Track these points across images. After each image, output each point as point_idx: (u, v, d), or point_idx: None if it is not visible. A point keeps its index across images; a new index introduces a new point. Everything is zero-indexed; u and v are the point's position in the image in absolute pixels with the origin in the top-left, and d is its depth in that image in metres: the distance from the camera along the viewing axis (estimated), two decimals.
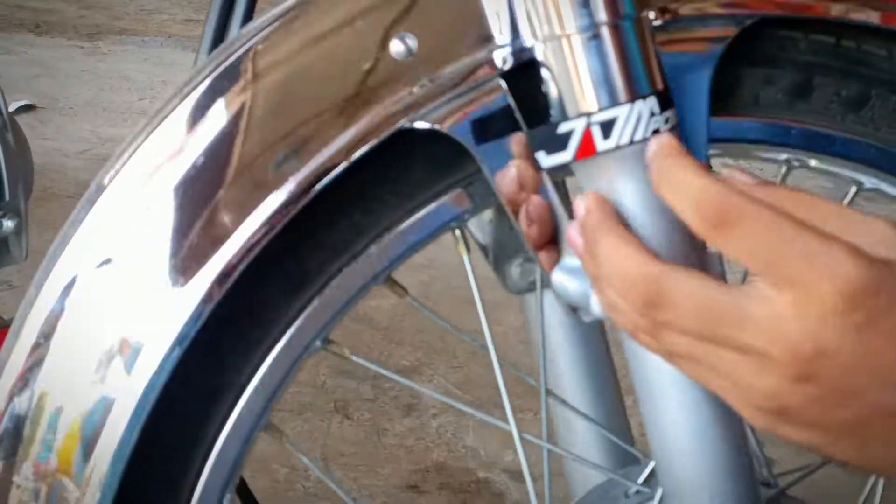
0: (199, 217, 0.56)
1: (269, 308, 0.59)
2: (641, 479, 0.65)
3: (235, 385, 0.60)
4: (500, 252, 0.69)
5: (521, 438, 0.64)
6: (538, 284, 0.60)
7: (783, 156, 0.65)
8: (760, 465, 0.67)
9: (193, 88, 0.57)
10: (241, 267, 0.56)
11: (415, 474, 1.50)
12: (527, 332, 0.80)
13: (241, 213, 0.56)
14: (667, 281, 0.46)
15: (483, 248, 0.70)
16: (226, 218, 0.56)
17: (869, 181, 0.66)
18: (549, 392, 0.67)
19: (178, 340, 0.56)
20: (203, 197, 0.56)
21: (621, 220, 0.51)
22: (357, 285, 0.61)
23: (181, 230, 0.56)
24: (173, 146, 0.56)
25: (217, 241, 0.56)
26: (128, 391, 0.56)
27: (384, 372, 0.69)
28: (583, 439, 0.74)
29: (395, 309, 1.86)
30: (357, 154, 0.56)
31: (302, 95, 0.56)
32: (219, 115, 0.56)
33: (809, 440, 0.46)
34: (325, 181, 0.56)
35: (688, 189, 0.46)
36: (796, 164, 0.66)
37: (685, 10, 0.58)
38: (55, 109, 2.84)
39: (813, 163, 0.66)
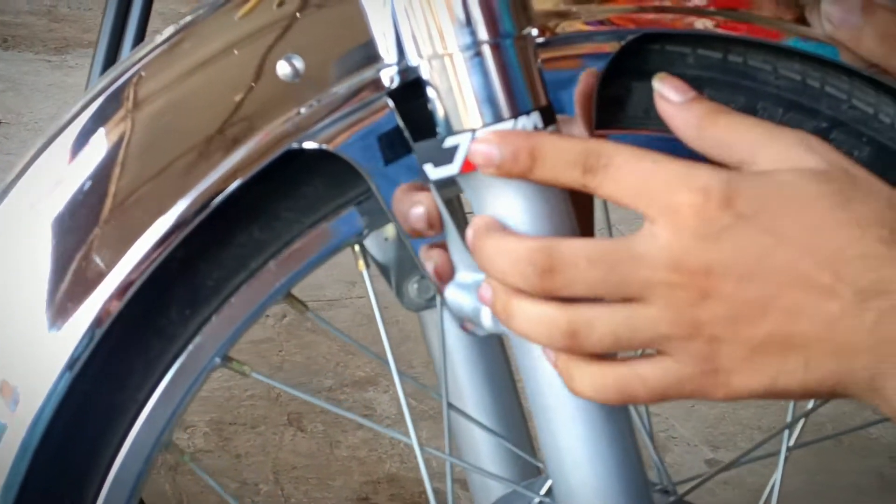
0: (82, 247, 0.56)
1: (166, 325, 0.60)
2: (543, 491, 0.66)
3: (134, 403, 0.60)
4: (398, 269, 0.70)
5: (423, 451, 0.65)
6: (439, 301, 0.61)
7: None
8: (660, 473, 0.68)
9: (77, 115, 0.58)
10: (130, 293, 0.56)
11: (366, 486, 1.50)
12: (427, 348, 0.80)
13: (127, 241, 0.56)
14: (556, 247, 0.49)
15: (381, 266, 0.71)
16: (110, 246, 0.56)
17: None
18: (450, 405, 0.68)
19: (68, 366, 0.56)
20: (85, 226, 0.56)
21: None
22: (256, 302, 0.61)
23: (62, 262, 0.56)
24: (54, 177, 0.57)
25: (102, 270, 0.56)
26: (15, 422, 0.56)
27: (280, 386, 0.70)
28: (486, 452, 0.74)
29: (353, 319, 1.87)
30: (246, 176, 0.56)
31: (187, 121, 0.57)
32: (103, 143, 0.57)
33: (748, 380, 0.48)
34: (214, 203, 0.56)
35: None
36: None
37: (568, 27, 0.59)
38: (20, 124, 2.83)
39: None
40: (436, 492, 0.65)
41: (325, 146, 0.56)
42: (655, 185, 0.48)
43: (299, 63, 0.56)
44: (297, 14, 0.57)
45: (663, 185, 0.48)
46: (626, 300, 0.49)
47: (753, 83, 0.63)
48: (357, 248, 0.63)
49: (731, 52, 0.62)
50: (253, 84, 0.57)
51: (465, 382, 0.73)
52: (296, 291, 0.63)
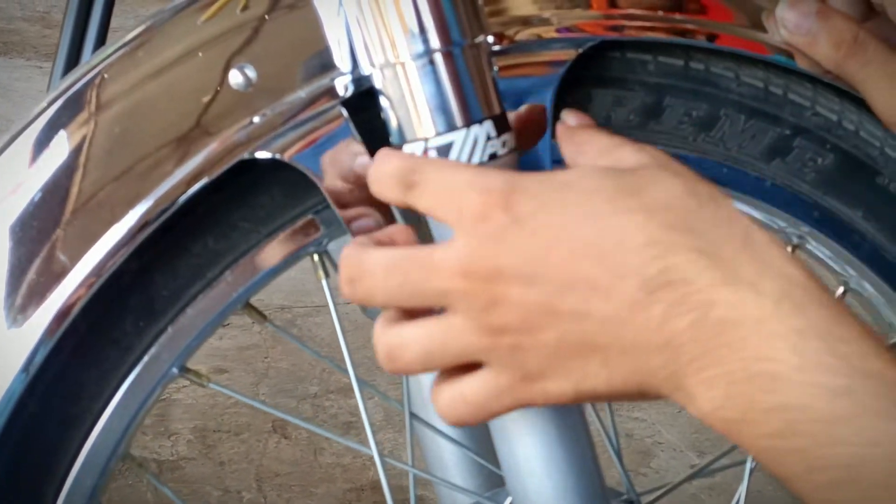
0: (39, 253, 0.56)
1: (122, 337, 0.59)
2: (508, 501, 0.66)
3: (90, 414, 0.59)
4: None
5: (385, 463, 0.64)
6: None
7: None
8: (625, 484, 0.68)
9: (36, 119, 0.57)
10: (84, 301, 0.56)
11: (349, 493, 1.50)
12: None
13: (81, 248, 0.56)
14: (360, 256, 0.49)
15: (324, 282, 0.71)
16: (65, 253, 0.56)
17: None
18: (413, 415, 0.67)
19: (24, 368, 0.56)
20: (42, 232, 0.56)
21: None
22: (214, 312, 0.61)
23: (18, 268, 0.56)
24: (13, 181, 0.57)
25: (56, 277, 0.56)
26: None
27: (244, 399, 0.69)
28: (451, 462, 0.74)
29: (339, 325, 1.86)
30: (197, 186, 0.56)
31: (143, 128, 0.56)
32: (59, 149, 0.57)
33: (558, 385, 0.47)
34: (167, 214, 0.56)
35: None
36: None
37: (524, 35, 0.59)
38: (9, 131, 2.83)
39: None
40: (418, 499, 0.65)
41: (278, 156, 0.56)
42: (452, 191, 0.47)
43: (251, 72, 0.56)
44: (257, 21, 0.56)
45: (457, 191, 0.47)
46: (437, 312, 0.48)
47: (716, 90, 0.63)
48: (316, 257, 0.62)
49: (692, 58, 0.62)
50: (208, 92, 0.56)
51: (428, 392, 0.73)
52: (283, 296, 0.63)
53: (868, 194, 0.66)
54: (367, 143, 0.55)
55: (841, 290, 0.71)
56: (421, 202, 0.49)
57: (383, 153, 0.51)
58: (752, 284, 0.42)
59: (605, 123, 0.63)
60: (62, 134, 0.57)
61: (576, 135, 0.51)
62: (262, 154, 0.56)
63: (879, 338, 0.42)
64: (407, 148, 0.52)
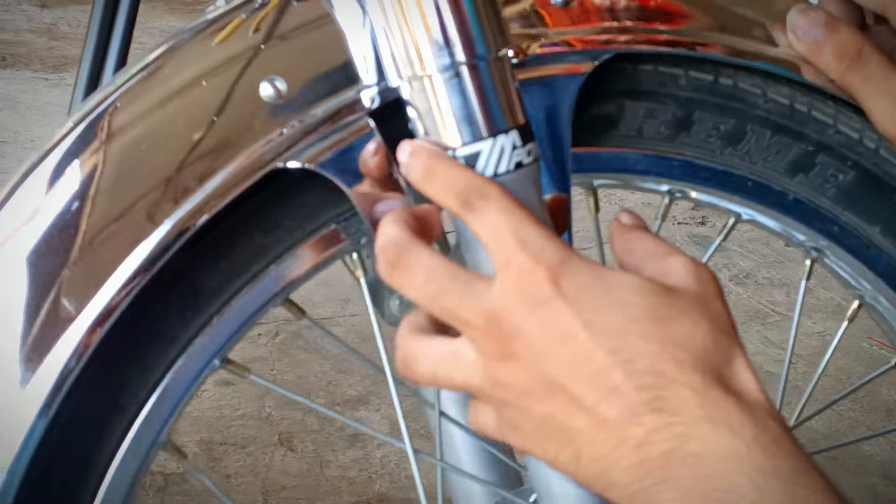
0: (87, 246, 0.56)
1: (167, 327, 0.60)
2: (532, 498, 0.66)
3: (134, 403, 0.60)
4: (378, 285, 0.71)
5: (417, 457, 0.65)
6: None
7: (665, 187, 0.68)
8: None
9: (59, 143, 0.59)
10: (134, 294, 0.57)
11: None
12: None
13: (123, 251, 0.57)
14: (408, 248, 0.51)
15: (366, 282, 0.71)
16: (110, 250, 0.56)
17: (746, 213, 0.69)
18: (442, 414, 0.68)
19: (73, 355, 0.56)
20: (75, 233, 0.56)
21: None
22: (257, 305, 0.62)
23: (76, 249, 0.56)
24: (32, 207, 0.58)
25: (104, 272, 0.56)
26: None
27: (284, 392, 0.71)
28: (470, 462, 0.75)
29: (345, 337, 1.86)
30: (234, 194, 0.57)
31: (175, 141, 0.57)
32: (86, 168, 0.58)
33: (536, 450, 0.50)
34: (203, 219, 0.57)
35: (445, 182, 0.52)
36: (678, 194, 0.68)
37: (542, 48, 0.60)
38: (16, 143, 2.83)
39: (693, 194, 0.68)
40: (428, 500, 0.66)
41: (307, 165, 0.57)
42: (507, 239, 0.49)
43: (281, 84, 0.57)
44: (269, 40, 0.58)
45: (514, 243, 0.49)
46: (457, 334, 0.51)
47: (743, 106, 0.65)
48: (355, 256, 0.63)
49: (721, 74, 0.64)
50: (238, 105, 0.57)
51: (448, 393, 0.74)
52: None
53: (887, 211, 0.68)
54: (395, 153, 0.56)
55: (856, 303, 0.73)
56: (475, 227, 0.51)
57: (446, 160, 0.52)
58: (730, 426, 0.46)
59: (637, 135, 0.65)
60: (86, 154, 0.58)
61: (627, 233, 0.53)
62: (292, 164, 0.57)
63: (837, 495, 0.46)
64: None
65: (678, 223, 2.37)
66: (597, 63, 0.60)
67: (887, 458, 1.65)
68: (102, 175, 0.57)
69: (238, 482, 1.53)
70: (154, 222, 0.56)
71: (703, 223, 2.39)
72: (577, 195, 0.65)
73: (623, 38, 0.61)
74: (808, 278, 0.71)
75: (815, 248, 0.69)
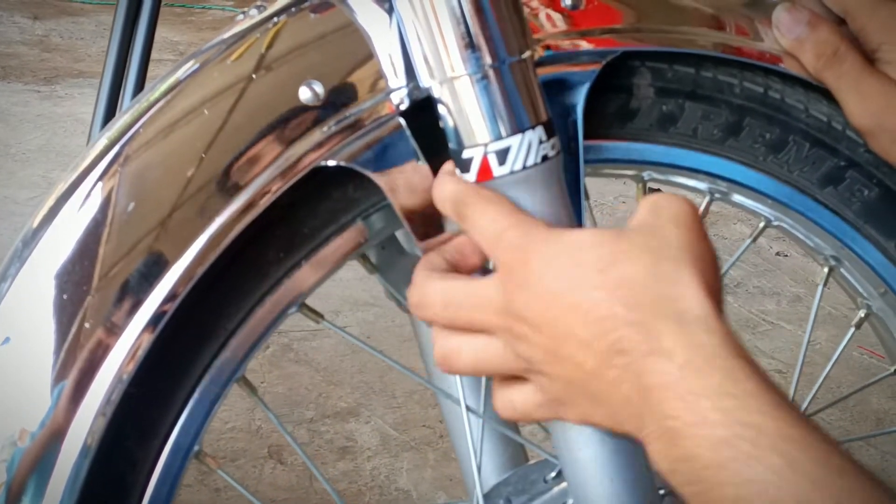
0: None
1: (265, 264, 0.63)
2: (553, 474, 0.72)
3: (225, 331, 0.63)
4: (393, 277, 0.75)
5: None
6: None
7: (706, 185, 0.74)
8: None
9: (93, 164, 0.61)
10: (239, 228, 0.60)
11: None
12: (420, 352, 0.85)
13: (179, 249, 0.60)
14: (423, 284, 0.58)
15: (382, 272, 0.75)
16: (166, 251, 0.60)
17: (776, 218, 0.75)
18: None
19: (168, 298, 0.59)
20: (136, 233, 0.60)
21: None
22: (340, 256, 0.65)
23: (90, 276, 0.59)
24: (67, 238, 0.60)
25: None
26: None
27: (360, 343, 0.73)
28: (479, 440, 0.78)
29: (336, 349, 1.86)
30: (275, 193, 0.60)
31: (220, 142, 0.61)
32: (128, 183, 0.61)
33: (575, 414, 0.55)
34: (246, 220, 0.60)
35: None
36: (717, 195, 0.74)
37: (555, 48, 0.65)
38: (7, 155, 2.82)
39: (732, 196, 0.74)
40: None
41: (343, 163, 0.61)
42: (490, 240, 0.56)
43: (319, 87, 0.61)
44: (322, 39, 0.62)
45: (493, 241, 0.56)
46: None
47: (788, 118, 0.71)
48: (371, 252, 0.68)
49: (770, 88, 0.71)
50: (279, 107, 0.60)
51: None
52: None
53: None
54: (425, 150, 0.60)
55: (863, 313, 0.78)
56: (469, 233, 0.58)
57: (442, 177, 0.59)
58: (668, 354, 0.50)
59: (692, 135, 0.71)
60: (130, 168, 0.61)
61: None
62: (330, 162, 0.61)
63: (774, 393, 0.49)
64: (466, 153, 0.58)
65: None
66: (605, 62, 0.65)
67: (876, 466, 1.66)
68: (149, 182, 0.60)
69: (228, 496, 1.52)
70: (208, 218, 0.60)
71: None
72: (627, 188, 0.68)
73: (630, 37, 0.66)
74: (826, 284, 0.77)
75: (833, 257, 0.75)
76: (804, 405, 0.82)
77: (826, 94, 0.71)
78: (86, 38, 3.78)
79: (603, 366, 0.51)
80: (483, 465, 0.79)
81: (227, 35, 0.63)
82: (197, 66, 0.62)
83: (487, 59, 0.57)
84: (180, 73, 0.62)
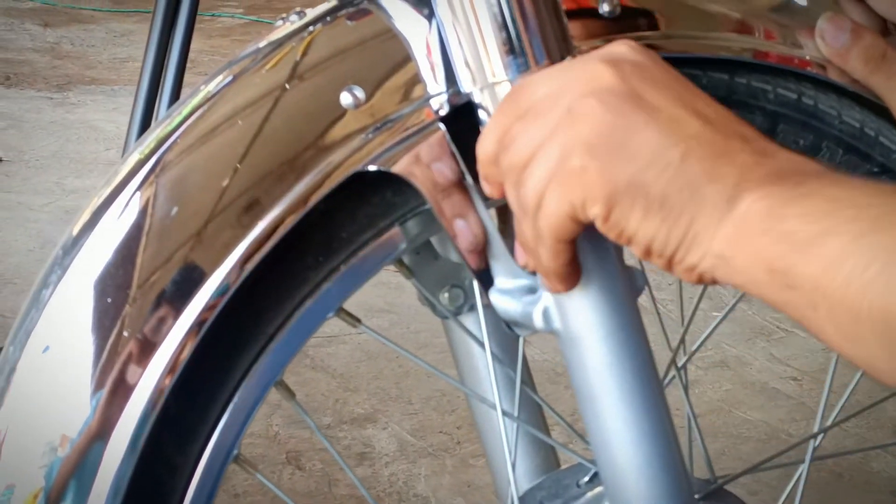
0: (175, 255, 0.60)
1: (303, 268, 0.63)
2: (586, 479, 0.72)
3: (264, 336, 0.64)
4: (428, 282, 0.75)
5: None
6: (479, 305, 0.66)
7: None
8: (705, 463, 0.76)
9: (132, 173, 0.62)
10: (280, 235, 0.60)
11: None
12: (452, 352, 0.85)
13: (219, 257, 0.60)
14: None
15: (416, 277, 0.75)
16: (205, 260, 0.60)
17: None
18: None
19: (220, 292, 0.60)
20: (176, 242, 0.60)
21: None
22: (378, 260, 0.65)
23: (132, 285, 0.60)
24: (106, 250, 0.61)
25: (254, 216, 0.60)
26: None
27: (394, 346, 0.74)
28: (511, 443, 0.78)
29: (352, 355, 1.87)
30: (316, 198, 0.60)
31: (260, 150, 0.61)
32: (171, 188, 0.62)
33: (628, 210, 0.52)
34: (290, 224, 0.60)
35: None
36: None
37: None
38: (21, 162, 2.83)
39: None
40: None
41: (383, 168, 0.61)
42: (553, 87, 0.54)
43: (360, 92, 0.61)
44: (332, 57, 0.62)
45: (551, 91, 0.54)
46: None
47: (821, 124, 0.72)
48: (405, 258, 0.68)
49: (804, 94, 0.72)
50: (320, 114, 0.61)
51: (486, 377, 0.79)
52: None
53: None
54: (465, 155, 0.60)
55: None
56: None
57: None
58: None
59: None
60: (169, 177, 0.61)
61: None
62: (371, 167, 0.61)
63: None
64: None
65: None
66: None
67: (894, 474, 1.65)
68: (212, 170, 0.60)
69: (246, 501, 1.53)
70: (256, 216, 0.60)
71: None
72: None
73: (665, 43, 0.67)
74: None
75: None
76: (832, 416, 0.82)
77: (858, 100, 0.71)
78: (97, 45, 3.79)
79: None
80: (515, 469, 0.80)
81: (262, 44, 0.64)
82: (231, 77, 0.63)
83: (529, 65, 0.57)
84: (216, 83, 0.63)
